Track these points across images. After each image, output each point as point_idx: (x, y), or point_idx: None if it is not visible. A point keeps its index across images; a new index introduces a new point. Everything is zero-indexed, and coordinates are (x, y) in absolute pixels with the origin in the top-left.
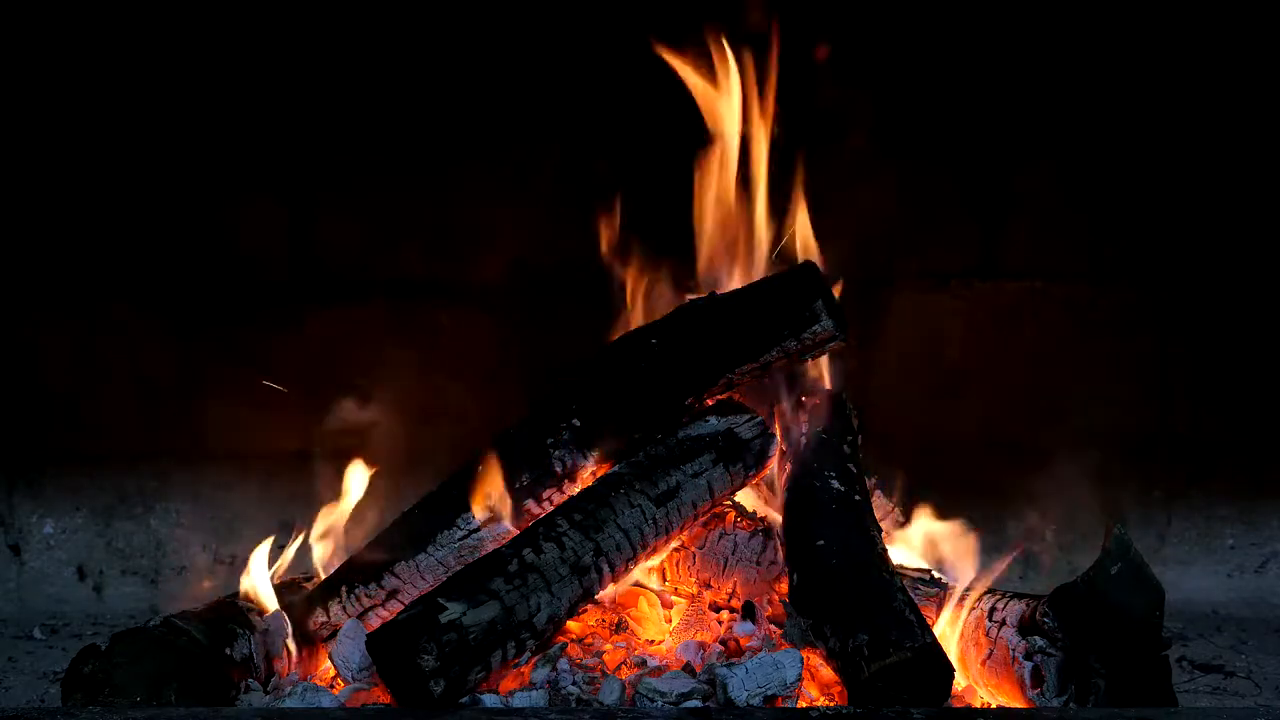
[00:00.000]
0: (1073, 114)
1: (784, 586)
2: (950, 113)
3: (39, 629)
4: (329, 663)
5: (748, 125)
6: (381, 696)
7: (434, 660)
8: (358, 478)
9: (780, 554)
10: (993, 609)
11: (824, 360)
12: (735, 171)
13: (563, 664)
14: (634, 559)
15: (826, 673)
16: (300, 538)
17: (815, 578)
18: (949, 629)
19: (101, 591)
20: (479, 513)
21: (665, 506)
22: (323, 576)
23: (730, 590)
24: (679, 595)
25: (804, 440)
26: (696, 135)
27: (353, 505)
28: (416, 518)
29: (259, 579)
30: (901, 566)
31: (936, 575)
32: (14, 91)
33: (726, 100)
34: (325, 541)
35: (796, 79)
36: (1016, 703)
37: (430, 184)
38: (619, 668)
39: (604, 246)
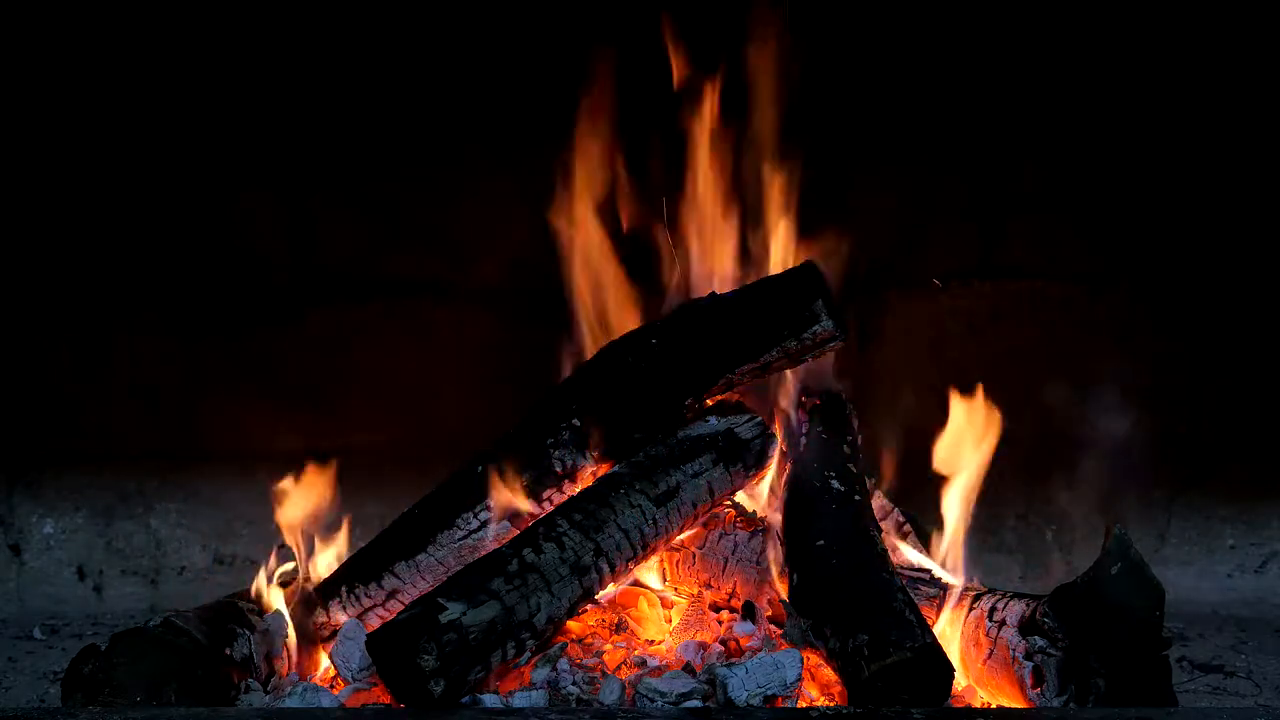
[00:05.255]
0: (1072, 114)
1: (784, 586)
2: (950, 113)
3: (39, 629)
4: (329, 663)
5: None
6: (381, 696)
7: (434, 660)
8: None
9: (780, 554)
10: (993, 609)
11: (824, 360)
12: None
13: (563, 664)
14: (634, 559)
15: (826, 673)
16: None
17: (815, 578)
18: (949, 629)
19: (101, 591)
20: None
21: (665, 506)
22: (323, 576)
23: (730, 590)
24: (679, 595)
25: (804, 440)
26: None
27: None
28: (416, 518)
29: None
30: (901, 566)
31: (936, 575)
32: (15, 94)
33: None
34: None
35: (797, 80)
36: (1017, 703)
37: (431, 184)
38: (619, 668)
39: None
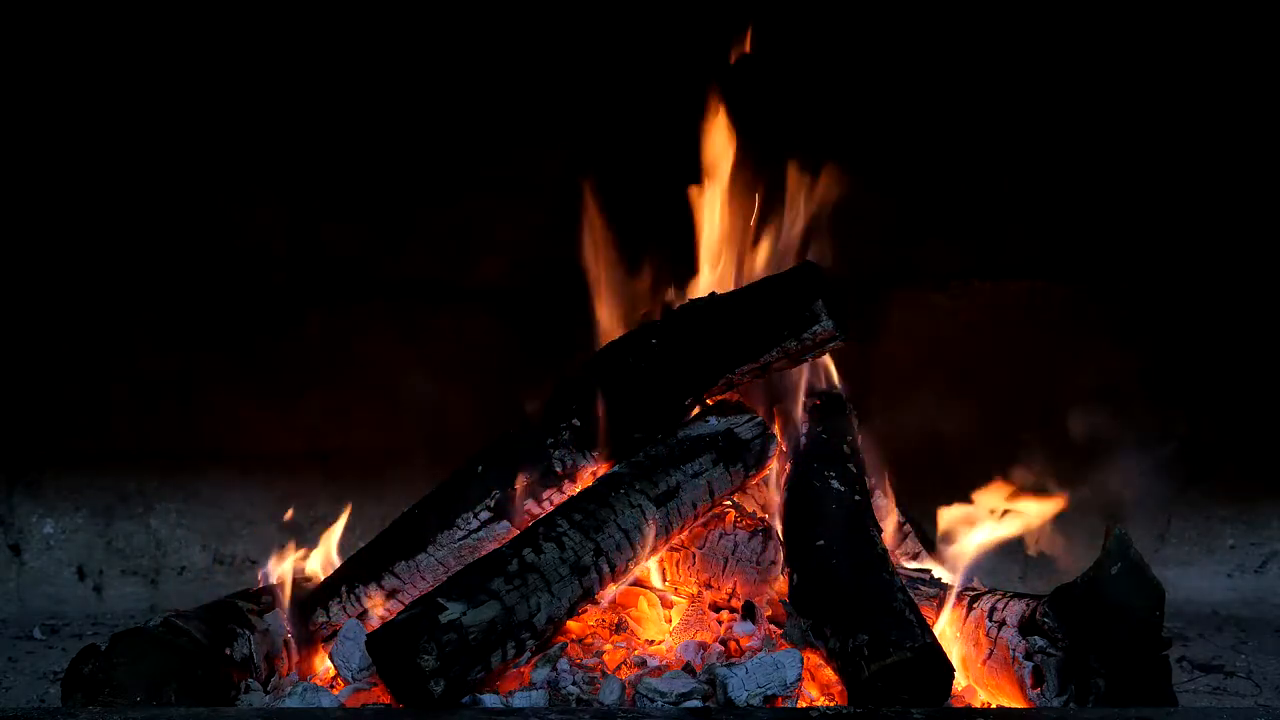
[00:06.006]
0: (1071, 116)
1: (784, 586)
2: (951, 115)
3: (39, 629)
4: (329, 663)
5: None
6: (381, 696)
7: (434, 660)
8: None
9: (780, 554)
10: (993, 609)
11: (824, 360)
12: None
13: (563, 664)
14: (634, 559)
15: (826, 673)
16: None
17: (815, 578)
18: (949, 629)
19: (101, 591)
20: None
21: (665, 507)
22: (322, 577)
23: (730, 590)
24: (679, 595)
25: (804, 440)
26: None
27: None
28: (416, 518)
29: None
30: (901, 566)
31: (936, 575)
32: (16, 94)
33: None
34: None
35: (797, 82)
36: (1017, 703)
37: (431, 184)
38: (619, 668)
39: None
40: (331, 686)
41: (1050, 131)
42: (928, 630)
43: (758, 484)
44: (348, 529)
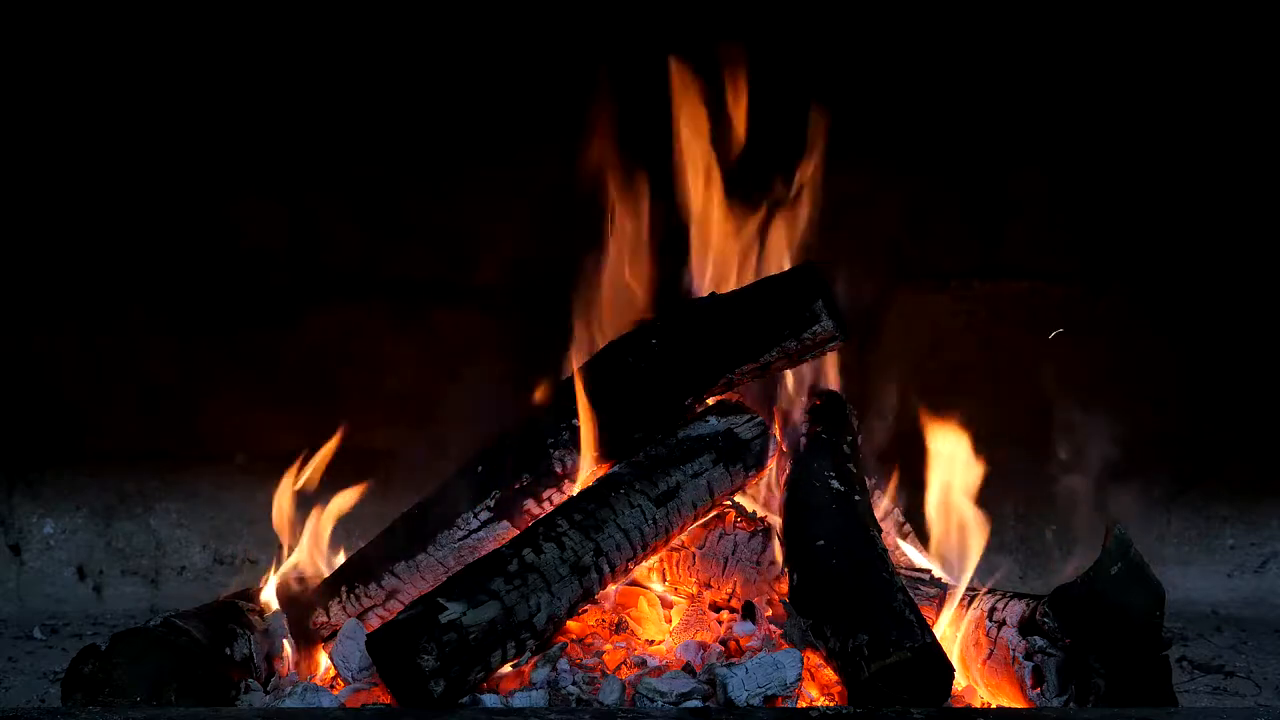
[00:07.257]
0: (1070, 118)
1: (784, 586)
2: (951, 116)
3: (39, 629)
4: (329, 663)
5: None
6: (381, 696)
7: (434, 660)
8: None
9: (780, 554)
10: (993, 609)
11: (824, 360)
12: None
13: (563, 664)
14: (634, 559)
15: (826, 673)
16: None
17: (815, 578)
18: (949, 629)
19: (101, 591)
20: None
21: (665, 507)
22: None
23: (730, 590)
24: (679, 595)
25: (804, 440)
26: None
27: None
28: (416, 518)
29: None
30: (901, 566)
31: (936, 575)
32: (15, 95)
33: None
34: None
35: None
36: (1017, 703)
37: (431, 184)
38: (619, 668)
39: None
40: (331, 686)
41: (1052, 132)
42: (928, 630)
43: (758, 484)
44: (347, 528)
